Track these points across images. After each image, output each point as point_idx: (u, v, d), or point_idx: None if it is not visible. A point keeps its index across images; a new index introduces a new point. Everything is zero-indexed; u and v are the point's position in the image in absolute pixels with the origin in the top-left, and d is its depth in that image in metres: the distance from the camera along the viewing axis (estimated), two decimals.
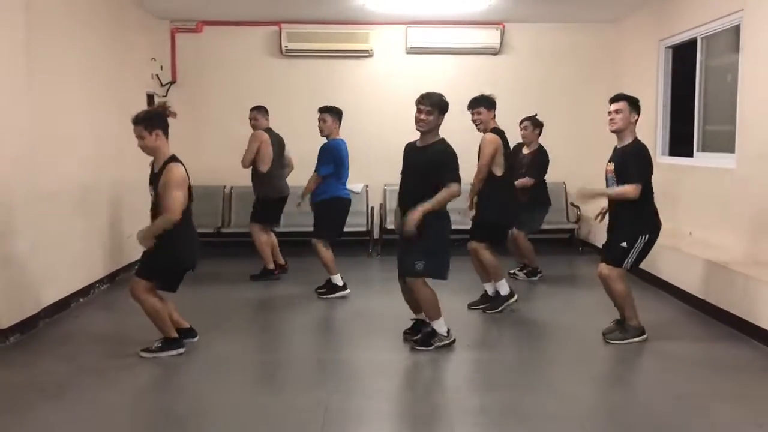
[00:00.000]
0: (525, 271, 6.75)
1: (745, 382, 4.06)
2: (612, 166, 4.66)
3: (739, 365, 4.32)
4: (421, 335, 4.55)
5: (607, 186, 4.71)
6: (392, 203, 8.14)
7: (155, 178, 4.27)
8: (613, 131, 4.65)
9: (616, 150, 4.70)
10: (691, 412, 3.61)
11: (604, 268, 4.68)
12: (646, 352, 4.56)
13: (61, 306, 5.45)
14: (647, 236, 4.57)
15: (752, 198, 5.36)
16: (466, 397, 3.87)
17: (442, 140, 4.38)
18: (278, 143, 6.55)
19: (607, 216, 4.86)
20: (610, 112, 4.63)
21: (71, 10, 5.81)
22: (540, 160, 6.56)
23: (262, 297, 6.20)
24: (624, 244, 4.56)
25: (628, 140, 4.61)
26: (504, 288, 5.45)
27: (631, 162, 4.53)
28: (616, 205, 4.68)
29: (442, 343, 4.49)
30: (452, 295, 5.48)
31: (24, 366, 4.31)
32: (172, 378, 4.24)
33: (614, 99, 4.65)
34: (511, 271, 6.67)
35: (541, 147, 6.59)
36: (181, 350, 4.41)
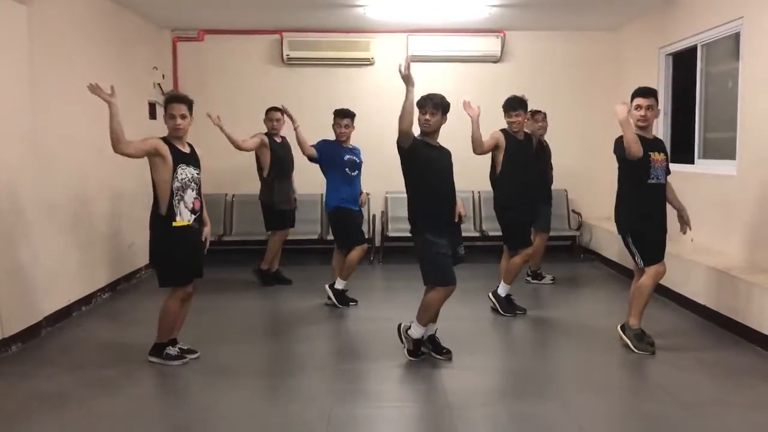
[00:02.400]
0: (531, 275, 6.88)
1: (750, 389, 4.05)
2: (663, 156, 4.57)
3: (744, 372, 4.31)
4: (403, 325, 4.55)
5: (657, 176, 4.54)
6: (394, 211, 8.15)
7: (193, 158, 4.35)
8: (642, 127, 4.50)
9: (652, 141, 4.57)
10: (696, 420, 3.60)
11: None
12: (651, 359, 4.55)
13: (63, 315, 5.46)
14: None
15: (753, 204, 5.37)
16: (470, 406, 3.86)
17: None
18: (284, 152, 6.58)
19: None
20: (639, 107, 4.46)
21: (72, 20, 5.84)
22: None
23: (266, 306, 6.20)
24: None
25: (651, 132, 4.60)
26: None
27: (667, 152, 4.67)
28: (663, 206, 4.68)
29: (406, 347, 4.48)
30: (458, 302, 5.50)
31: (26, 375, 4.30)
32: (175, 387, 4.23)
33: (646, 93, 4.50)
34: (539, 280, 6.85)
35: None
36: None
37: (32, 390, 4.04)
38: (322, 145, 5.85)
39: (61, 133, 5.52)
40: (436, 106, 4.28)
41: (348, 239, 5.86)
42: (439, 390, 4.13)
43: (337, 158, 5.78)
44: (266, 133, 6.49)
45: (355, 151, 5.93)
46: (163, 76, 7.93)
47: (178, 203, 4.21)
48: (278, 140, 6.58)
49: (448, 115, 4.39)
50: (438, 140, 4.46)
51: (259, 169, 6.56)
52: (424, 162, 4.30)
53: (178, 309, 4.39)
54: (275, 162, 6.48)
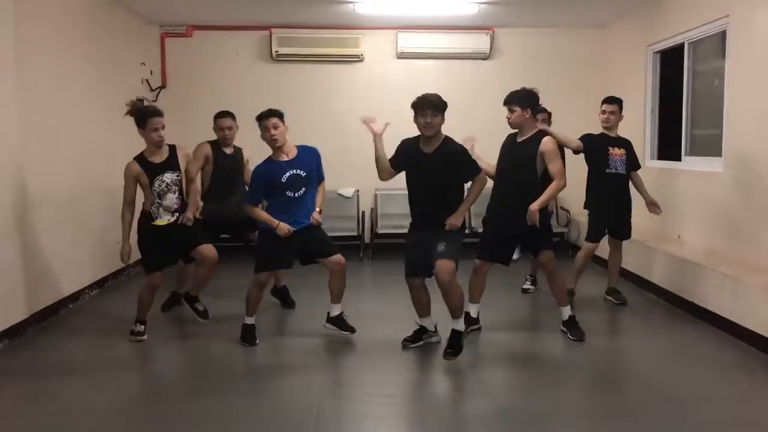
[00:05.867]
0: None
1: (731, 382, 4.10)
2: (623, 151, 5.52)
3: (725, 366, 4.36)
4: (451, 340, 4.36)
5: (615, 168, 5.52)
6: (383, 208, 8.15)
7: (171, 162, 4.76)
8: (606, 127, 5.58)
9: (614, 138, 5.58)
10: (678, 413, 3.64)
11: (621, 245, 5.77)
12: (630, 352, 4.60)
13: (51, 312, 5.43)
14: None
15: (738, 201, 5.42)
16: (458, 400, 3.89)
17: (448, 138, 4.39)
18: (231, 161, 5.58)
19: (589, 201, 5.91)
20: (604, 111, 5.54)
21: (59, 16, 5.79)
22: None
23: None
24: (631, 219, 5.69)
25: (615, 132, 5.60)
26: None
27: (633, 150, 5.62)
28: (626, 192, 5.60)
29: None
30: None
31: (12, 373, 4.28)
32: (163, 383, 4.23)
33: (608, 101, 5.60)
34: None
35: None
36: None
37: (20, 389, 4.02)
38: (257, 177, 4.58)
39: (47, 130, 5.48)
40: (435, 107, 4.20)
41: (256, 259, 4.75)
42: (429, 385, 4.14)
43: (276, 184, 4.51)
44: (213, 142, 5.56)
45: (301, 161, 4.61)
46: (151, 72, 7.90)
47: (157, 208, 4.73)
48: (228, 151, 5.58)
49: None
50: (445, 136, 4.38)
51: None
52: (407, 173, 4.53)
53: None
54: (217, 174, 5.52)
